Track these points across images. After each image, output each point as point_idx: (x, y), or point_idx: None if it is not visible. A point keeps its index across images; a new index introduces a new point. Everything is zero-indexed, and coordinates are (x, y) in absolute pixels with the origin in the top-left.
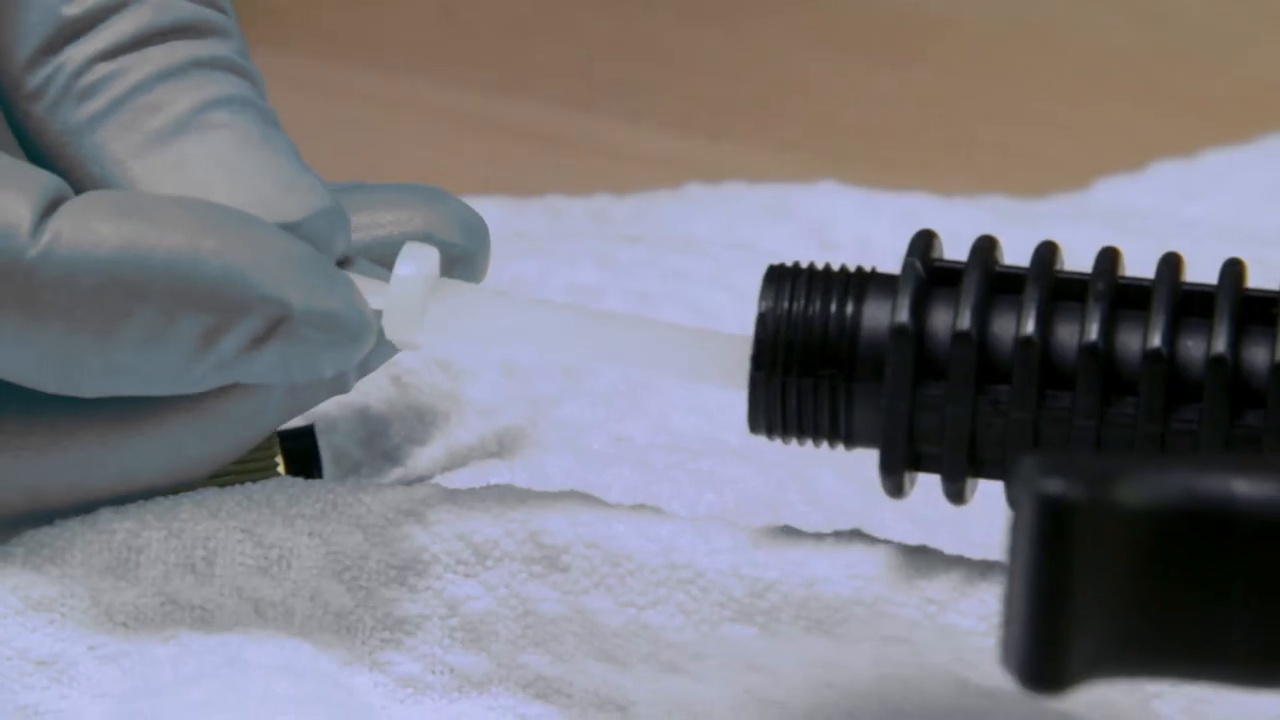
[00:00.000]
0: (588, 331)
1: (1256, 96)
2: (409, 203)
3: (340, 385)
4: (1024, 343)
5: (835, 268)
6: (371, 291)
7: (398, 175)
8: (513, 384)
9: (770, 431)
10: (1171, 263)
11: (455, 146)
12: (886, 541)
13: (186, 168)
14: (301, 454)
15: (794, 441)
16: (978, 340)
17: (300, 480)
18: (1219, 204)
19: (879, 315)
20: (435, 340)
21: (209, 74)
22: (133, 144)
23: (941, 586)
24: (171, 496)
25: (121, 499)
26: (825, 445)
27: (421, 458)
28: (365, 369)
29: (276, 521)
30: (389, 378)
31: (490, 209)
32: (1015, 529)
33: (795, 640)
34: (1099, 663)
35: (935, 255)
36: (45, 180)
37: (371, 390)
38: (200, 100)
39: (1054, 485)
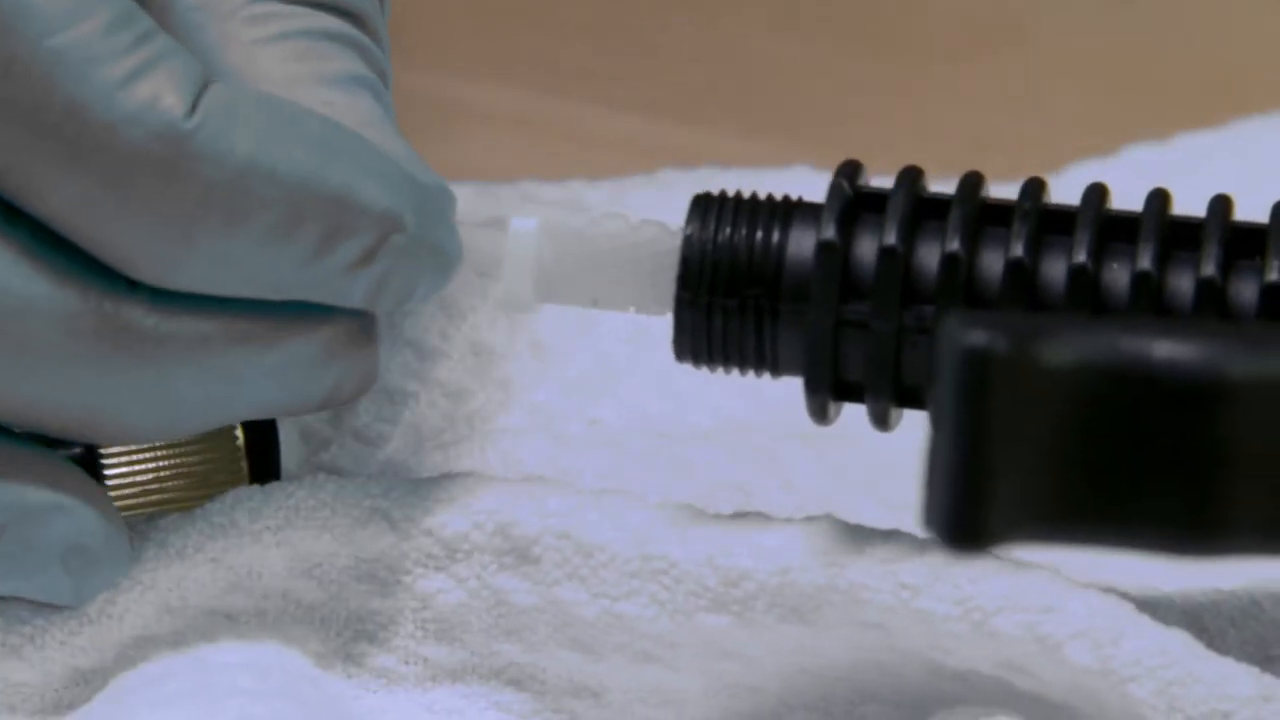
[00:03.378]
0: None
1: (1229, 81)
2: None
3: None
4: (950, 259)
5: (761, 197)
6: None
7: None
8: (483, 365)
9: (696, 358)
10: (1098, 190)
11: (427, 132)
12: (860, 527)
13: (334, 110)
14: (260, 431)
15: (720, 370)
16: (904, 257)
17: (258, 488)
18: (1192, 188)
19: (805, 237)
20: (548, 300)
21: (360, 51)
22: (291, 73)
23: (916, 571)
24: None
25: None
26: (751, 374)
27: (391, 437)
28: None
29: (244, 543)
30: None
31: (463, 194)
32: (939, 388)
33: (770, 628)
34: (1019, 522)
35: (862, 183)
36: (197, 63)
37: None
38: (351, 69)
39: (977, 338)
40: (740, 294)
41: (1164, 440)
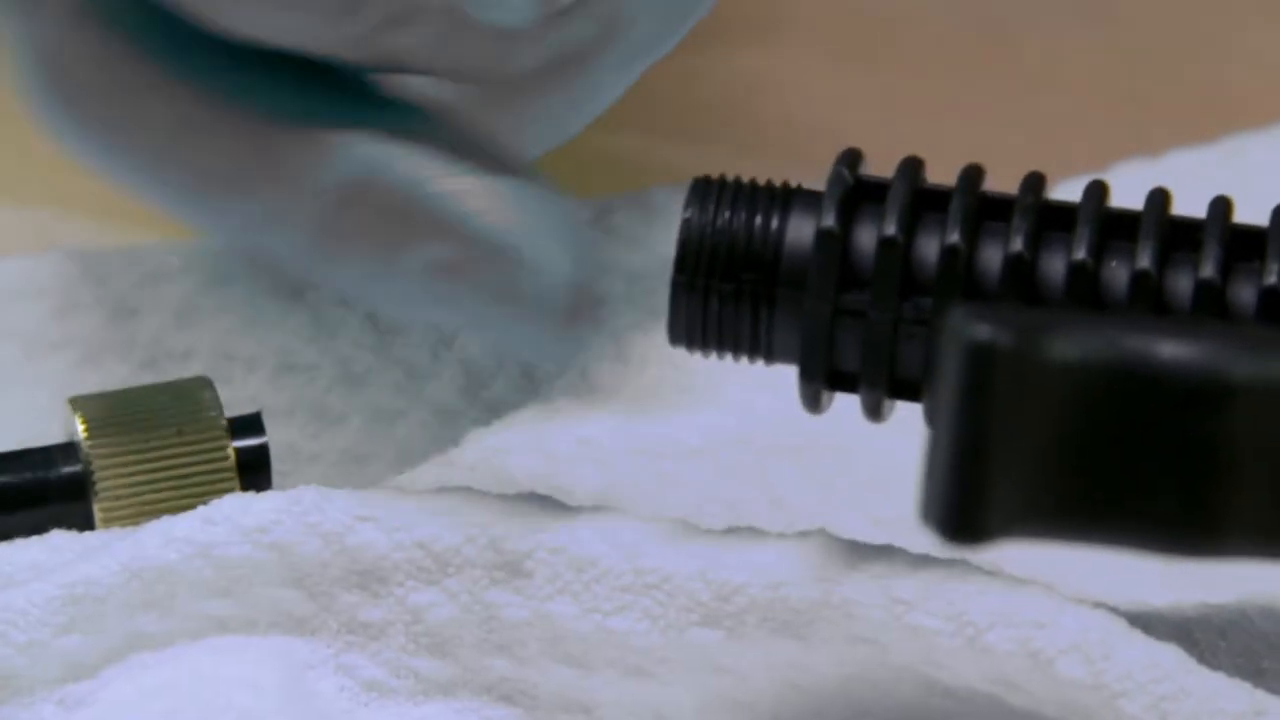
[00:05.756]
0: None
1: (1220, 96)
2: None
3: None
4: (949, 251)
5: (761, 182)
6: None
7: None
8: (472, 385)
9: (690, 342)
10: (1099, 187)
11: None
12: (853, 543)
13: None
14: (252, 444)
15: (714, 355)
16: (903, 247)
17: (252, 495)
18: (1184, 205)
19: (804, 224)
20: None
21: None
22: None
23: (909, 586)
24: (131, 533)
25: None
26: (745, 360)
27: (381, 456)
28: None
29: (234, 540)
30: (347, 373)
31: None
32: (940, 381)
33: (762, 643)
34: (1018, 519)
35: (863, 172)
36: None
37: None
38: None
39: (982, 332)
40: (737, 279)
41: (1165, 440)
